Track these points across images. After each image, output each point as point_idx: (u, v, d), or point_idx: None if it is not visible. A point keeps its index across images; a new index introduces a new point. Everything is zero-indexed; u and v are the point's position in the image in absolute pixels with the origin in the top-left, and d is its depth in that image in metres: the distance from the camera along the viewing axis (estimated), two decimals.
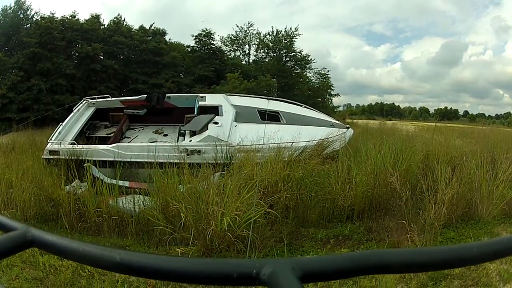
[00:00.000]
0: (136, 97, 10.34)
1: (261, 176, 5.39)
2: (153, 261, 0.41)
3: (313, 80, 28.37)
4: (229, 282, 0.39)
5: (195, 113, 9.04)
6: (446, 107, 38.31)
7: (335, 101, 29.61)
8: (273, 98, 11.51)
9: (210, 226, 4.45)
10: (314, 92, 27.20)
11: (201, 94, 10.14)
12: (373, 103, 41.67)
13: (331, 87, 28.37)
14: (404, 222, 5.17)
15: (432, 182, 5.74)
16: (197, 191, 5.01)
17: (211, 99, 9.70)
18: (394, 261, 0.42)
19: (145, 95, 10.18)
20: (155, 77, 22.95)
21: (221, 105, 9.07)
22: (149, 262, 0.41)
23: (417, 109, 40.27)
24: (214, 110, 8.86)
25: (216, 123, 8.31)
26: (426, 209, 5.33)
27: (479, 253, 0.45)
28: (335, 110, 26.66)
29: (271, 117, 8.93)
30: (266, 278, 0.38)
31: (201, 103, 9.25)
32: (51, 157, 7.48)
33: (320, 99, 26.42)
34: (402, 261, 0.43)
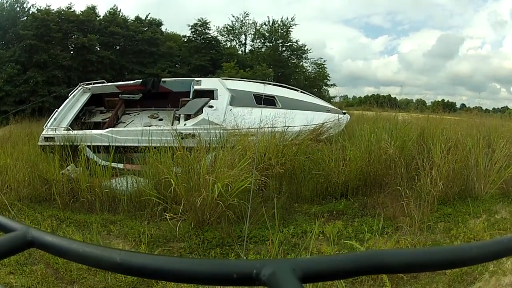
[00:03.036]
0: (132, 81, 10.31)
1: (255, 152, 5.37)
2: (153, 261, 0.41)
3: (309, 70, 28.43)
4: (229, 283, 0.40)
5: (190, 97, 8.98)
6: (443, 100, 38.26)
7: (332, 91, 29.58)
8: (269, 82, 11.44)
9: (201, 194, 4.43)
10: (310, 82, 27.15)
11: (196, 78, 10.07)
12: (369, 95, 41.55)
13: (327, 77, 28.43)
14: (400, 188, 5.17)
15: (428, 159, 5.75)
16: (189, 161, 5.01)
17: (206, 83, 9.66)
18: (394, 261, 0.42)
19: (141, 80, 10.14)
20: (151, 67, 22.82)
21: (217, 89, 9.02)
22: (149, 262, 0.41)
23: (414, 101, 40.18)
24: (210, 94, 8.80)
25: (211, 106, 8.25)
26: (422, 177, 5.35)
27: (479, 253, 0.45)
28: (332, 100, 26.56)
29: (267, 101, 8.86)
30: (266, 278, 0.38)
31: (197, 87, 9.19)
32: (46, 143, 7.44)
33: (316, 89, 26.28)
34: (402, 261, 0.43)
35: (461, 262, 0.45)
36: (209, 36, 25.93)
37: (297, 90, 10.56)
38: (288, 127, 7.39)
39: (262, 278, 0.38)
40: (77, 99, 9.17)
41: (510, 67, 42.77)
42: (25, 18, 22.79)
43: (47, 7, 22.05)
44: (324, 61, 28.60)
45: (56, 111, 8.42)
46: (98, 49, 22.61)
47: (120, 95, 9.87)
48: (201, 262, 0.42)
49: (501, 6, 47.67)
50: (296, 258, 0.44)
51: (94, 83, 9.90)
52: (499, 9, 52.18)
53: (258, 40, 28.03)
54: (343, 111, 10.10)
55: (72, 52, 22.24)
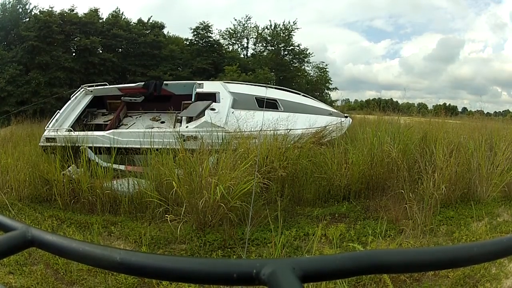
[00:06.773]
0: (134, 84, 10.31)
1: (257, 154, 5.36)
2: (153, 261, 0.41)
3: (311, 74, 28.55)
4: (229, 282, 0.40)
5: (193, 100, 8.97)
6: (444, 103, 38.18)
7: (334, 95, 29.66)
8: (271, 86, 11.46)
9: (203, 196, 4.42)
10: (312, 86, 27.26)
11: (198, 82, 10.07)
12: (371, 99, 41.47)
13: (329, 81, 28.53)
14: (402, 191, 5.15)
15: (430, 162, 5.75)
16: (191, 163, 4.99)
17: (208, 86, 9.63)
18: (394, 261, 0.42)
19: (143, 82, 10.14)
20: (154, 70, 22.96)
21: (219, 92, 9.01)
22: (149, 262, 0.41)
23: (416, 105, 40.08)
24: (212, 97, 8.79)
25: (213, 109, 8.25)
26: (425, 180, 5.34)
27: (479, 253, 0.45)
28: (334, 104, 26.62)
29: (269, 104, 8.85)
30: (266, 278, 0.39)
31: (199, 90, 9.17)
32: (48, 144, 7.42)
33: (318, 93, 26.35)
34: (402, 261, 0.43)
35: (461, 261, 0.45)
36: (211, 39, 26.12)
37: (299, 94, 10.55)
38: (290, 130, 7.38)
39: (262, 277, 0.39)
40: (79, 100, 9.16)
41: (511, 70, 42.71)
42: (28, 19, 22.89)
43: (50, 9, 22.22)
44: (326, 65, 28.84)
45: (58, 112, 8.40)
46: (101, 51, 22.77)
47: (122, 97, 9.87)
48: (201, 261, 0.42)
49: (502, 9, 47.60)
50: (296, 257, 0.43)
51: (96, 85, 9.89)
52: (500, 12, 52.18)
53: (260, 44, 28.28)
54: (345, 115, 10.10)
55: (74, 54, 22.42)
